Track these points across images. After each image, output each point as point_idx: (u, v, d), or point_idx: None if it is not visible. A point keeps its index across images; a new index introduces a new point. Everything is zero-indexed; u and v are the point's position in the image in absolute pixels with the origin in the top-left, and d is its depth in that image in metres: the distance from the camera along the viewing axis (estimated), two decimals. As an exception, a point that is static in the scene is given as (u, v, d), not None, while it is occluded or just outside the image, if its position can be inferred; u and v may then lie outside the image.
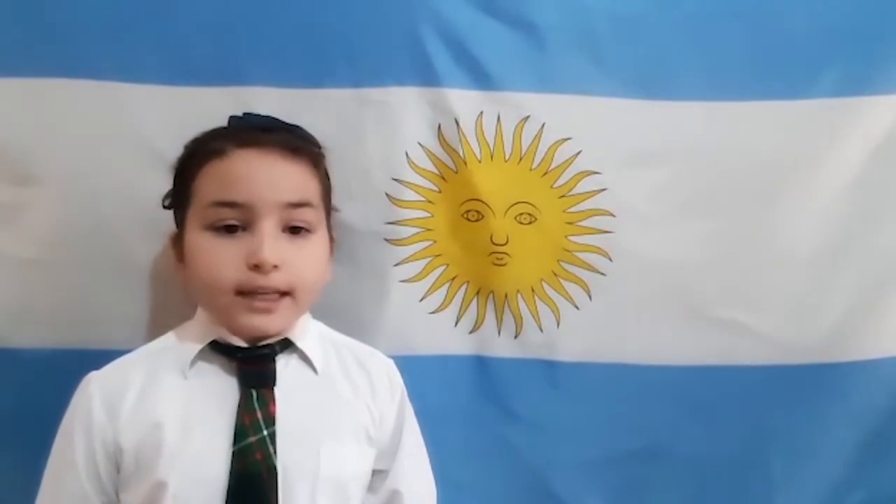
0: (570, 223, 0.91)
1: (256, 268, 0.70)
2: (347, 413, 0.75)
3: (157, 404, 0.70)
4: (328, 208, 0.79)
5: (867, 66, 0.90)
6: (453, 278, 0.92)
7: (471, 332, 0.92)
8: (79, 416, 0.70)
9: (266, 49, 0.87)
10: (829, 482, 0.94)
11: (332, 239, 0.79)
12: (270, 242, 0.70)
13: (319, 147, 0.80)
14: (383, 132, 0.88)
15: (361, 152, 0.88)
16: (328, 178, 0.80)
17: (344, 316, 0.85)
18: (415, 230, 0.90)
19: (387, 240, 0.89)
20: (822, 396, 0.93)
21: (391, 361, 0.81)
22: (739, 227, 0.91)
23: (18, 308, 0.87)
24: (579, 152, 0.89)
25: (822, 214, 0.91)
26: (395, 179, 0.89)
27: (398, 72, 0.87)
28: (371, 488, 0.76)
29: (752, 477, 0.94)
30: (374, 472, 0.76)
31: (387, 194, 0.89)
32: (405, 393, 0.80)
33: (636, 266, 0.91)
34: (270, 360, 0.73)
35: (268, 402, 0.70)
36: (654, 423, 0.93)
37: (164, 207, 0.79)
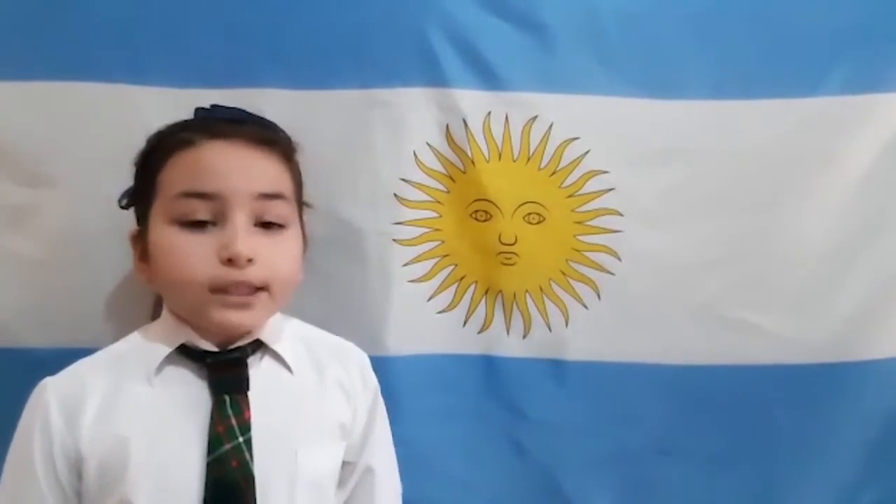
0: (578, 223, 0.91)
1: (230, 262, 0.66)
2: (322, 411, 0.73)
3: (122, 416, 0.67)
4: (300, 204, 0.77)
5: (877, 63, 0.89)
6: (461, 278, 0.92)
7: (479, 332, 0.92)
8: (36, 423, 0.67)
9: (274, 51, 0.87)
10: (839, 482, 0.93)
11: (304, 236, 0.76)
12: (243, 235, 0.67)
13: (291, 140, 0.78)
14: (391, 133, 0.88)
15: (369, 153, 0.88)
16: (300, 174, 0.78)
17: (351, 316, 0.86)
18: (423, 230, 0.90)
19: (395, 240, 0.89)
20: (833, 396, 0.93)
21: (365, 356, 0.80)
22: (748, 225, 0.91)
23: (31, 308, 0.88)
24: (587, 152, 0.89)
25: (832, 213, 0.91)
26: (403, 180, 0.89)
27: (406, 72, 0.87)
28: (339, 481, 0.74)
29: (761, 477, 0.93)
30: (342, 465, 0.74)
31: (395, 194, 0.89)
32: (377, 389, 0.79)
33: (645, 265, 0.91)
34: (242, 364, 0.70)
35: (242, 408, 0.68)
36: (662, 422, 0.93)
37: (122, 207, 0.77)
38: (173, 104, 0.85)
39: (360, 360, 0.79)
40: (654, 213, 0.90)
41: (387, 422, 0.80)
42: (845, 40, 0.89)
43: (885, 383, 0.93)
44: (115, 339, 0.83)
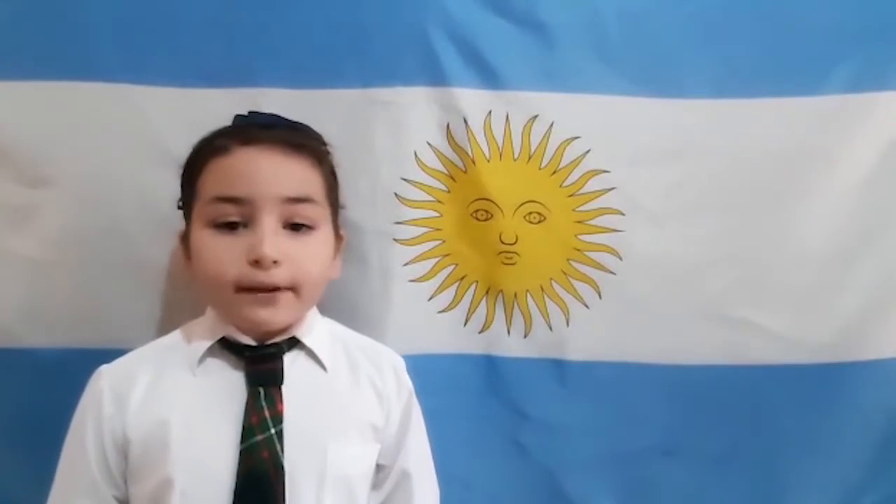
0: (579, 222, 0.91)
1: (257, 263, 0.70)
2: (354, 410, 0.75)
3: (165, 401, 0.71)
4: (334, 205, 0.79)
5: (879, 62, 0.89)
6: (462, 278, 0.92)
7: (480, 332, 0.92)
8: (90, 408, 0.72)
9: (276, 50, 0.87)
10: (841, 483, 0.93)
11: (339, 237, 0.79)
12: (270, 237, 0.71)
13: (324, 144, 0.80)
14: (392, 132, 0.88)
15: (370, 152, 0.88)
16: (334, 176, 0.80)
17: (353, 315, 0.86)
18: (423, 230, 0.90)
19: (395, 239, 0.89)
20: (835, 396, 0.92)
21: (400, 359, 0.81)
22: (750, 225, 0.91)
23: (32, 308, 0.88)
24: (588, 151, 0.89)
25: (834, 212, 0.91)
26: (404, 179, 0.89)
27: (407, 72, 0.87)
28: (374, 484, 0.77)
29: (763, 477, 0.93)
30: (378, 468, 0.76)
31: (395, 194, 0.89)
32: (412, 393, 0.81)
33: (646, 265, 0.91)
34: (278, 359, 0.73)
35: (275, 401, 0.71)
36: (663, 422, 0.92)
37: (179, 208, 0.79)
38: (174, 104, 0.86)
39: (394, 363, 0.81)
40: (655, 212, 0.90)
41: (423, 426, 0.81)
42: (847, 39, 0.89)
43: (887, 383, 0.92)
44: (118, 338, 0.84)
